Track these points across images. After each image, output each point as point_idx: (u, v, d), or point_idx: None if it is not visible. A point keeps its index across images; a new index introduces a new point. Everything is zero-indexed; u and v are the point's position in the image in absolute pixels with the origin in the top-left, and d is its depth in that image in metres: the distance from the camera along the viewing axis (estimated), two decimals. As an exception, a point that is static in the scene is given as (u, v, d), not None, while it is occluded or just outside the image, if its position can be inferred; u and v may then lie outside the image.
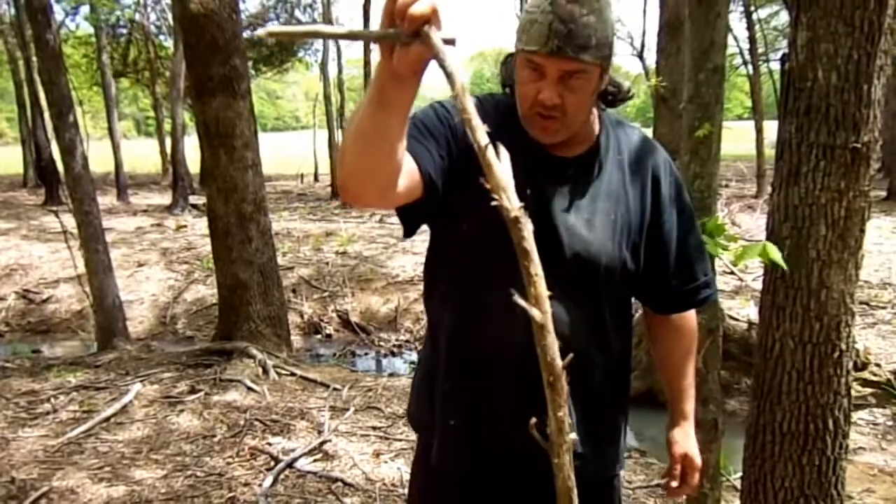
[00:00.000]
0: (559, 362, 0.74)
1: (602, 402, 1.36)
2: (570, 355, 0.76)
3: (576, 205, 1.27)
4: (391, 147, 1.04)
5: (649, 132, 6.24)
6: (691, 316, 1.46)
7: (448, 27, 0.86)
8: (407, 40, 0.86)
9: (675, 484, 1.43)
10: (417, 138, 1.19)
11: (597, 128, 1.32)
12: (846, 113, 1.60)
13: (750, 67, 17.48)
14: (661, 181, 1.34)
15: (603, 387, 1.35)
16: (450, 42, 0.83)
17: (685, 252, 1.37)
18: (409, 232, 1.30)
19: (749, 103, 23.97)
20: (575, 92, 1.19)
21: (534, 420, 0.79)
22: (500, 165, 0.74)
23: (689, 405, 1.45)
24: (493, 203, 0.73)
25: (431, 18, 0.83)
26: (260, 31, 0.77)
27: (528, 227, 0.73)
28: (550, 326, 0.73)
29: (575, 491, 0.79)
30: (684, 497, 1.97)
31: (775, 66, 20.72)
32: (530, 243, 0.72)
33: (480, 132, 0.74)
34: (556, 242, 1.25)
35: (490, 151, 0.74)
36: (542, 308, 0.72)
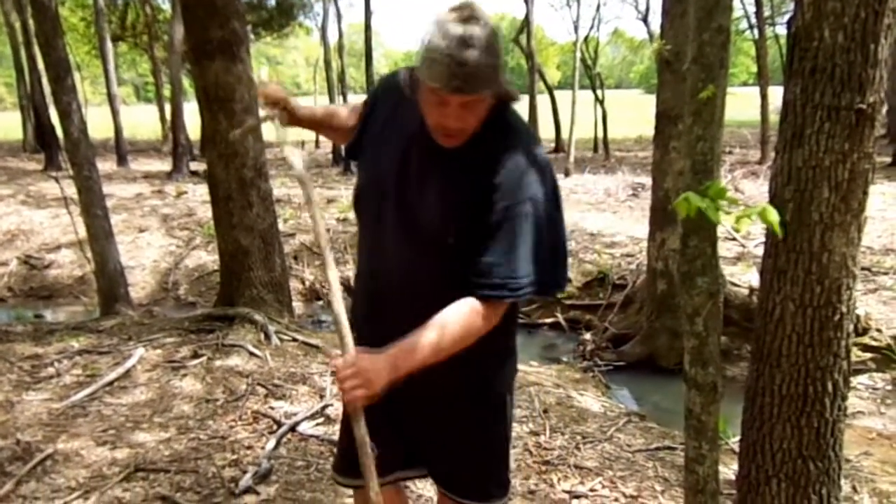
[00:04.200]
0: (325, 234, 1.23)
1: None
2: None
3: (430, 184, 1.55)
4: (329, 134, 1.99)
5: (652, 98, 6.17)
6: (481, 310, 1.52)
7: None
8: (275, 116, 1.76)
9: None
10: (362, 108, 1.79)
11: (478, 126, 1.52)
12: (852, 73, 1.57)
13: (756, 32, 17.25)
14: (497, 198, 1.49)
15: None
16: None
17: (487, 254, 1.51)
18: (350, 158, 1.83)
19: (755, 69, 23.73)
20: (473, 112, 1.45)
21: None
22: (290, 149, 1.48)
23: (409, 347, 1.48)
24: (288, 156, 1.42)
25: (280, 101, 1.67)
26: None
27: (308, 184, 1.58)
28: (318, 214, 1.53)
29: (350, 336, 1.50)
30: (684, 460, 1.98)
31: (781, 30, 20.47)
32: (305, 177, 1.61)
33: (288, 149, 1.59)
34: (409, 209, 1.56)
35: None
36: (311, 209, 1.56)
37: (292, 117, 1.80)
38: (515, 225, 1.50)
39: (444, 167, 1.54)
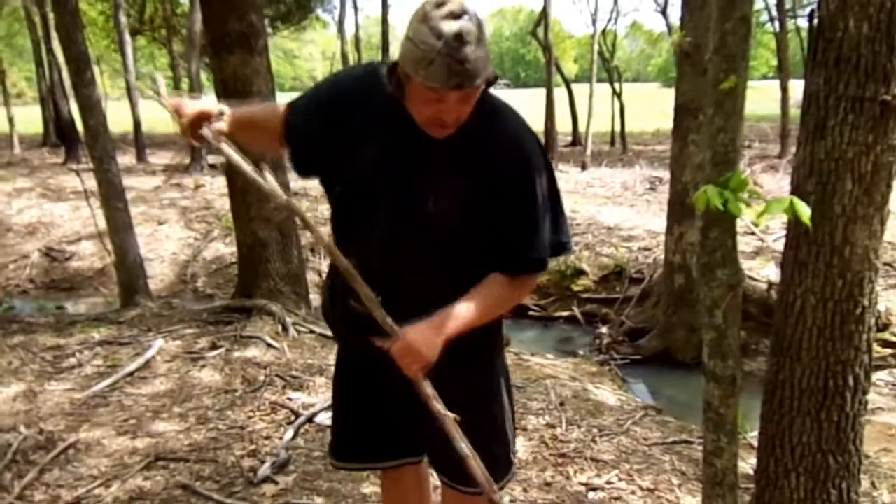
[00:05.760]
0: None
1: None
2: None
3: (434, 176, 1.56)
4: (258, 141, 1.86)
5: (670, 92, 6.13)
6: (515, 283, 1.64)
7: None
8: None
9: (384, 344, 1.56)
10: (302, 120, 1.71)
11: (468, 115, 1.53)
12: (877, 64, 1.55)
13: (776, 24, 17.06)
14: (505, 174, 1.56)
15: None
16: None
17: (513, 234, 1.59)
18: (301, 174, 1.82)
19: (775, 62, 23.48)
20: (467, 103, 1.47)
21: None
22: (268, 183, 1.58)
23: (453, 313, 1.56)
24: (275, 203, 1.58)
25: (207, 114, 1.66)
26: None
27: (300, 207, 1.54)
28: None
29: None
30: (702, 453, 1.97)
31: (803, 23, 20.23)
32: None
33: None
34: (414, 203, 1.57)
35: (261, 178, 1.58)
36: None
37: (226, 125, 1.75)
38: (532, 199, 1.58)
39: (442, 157, 1.55)
